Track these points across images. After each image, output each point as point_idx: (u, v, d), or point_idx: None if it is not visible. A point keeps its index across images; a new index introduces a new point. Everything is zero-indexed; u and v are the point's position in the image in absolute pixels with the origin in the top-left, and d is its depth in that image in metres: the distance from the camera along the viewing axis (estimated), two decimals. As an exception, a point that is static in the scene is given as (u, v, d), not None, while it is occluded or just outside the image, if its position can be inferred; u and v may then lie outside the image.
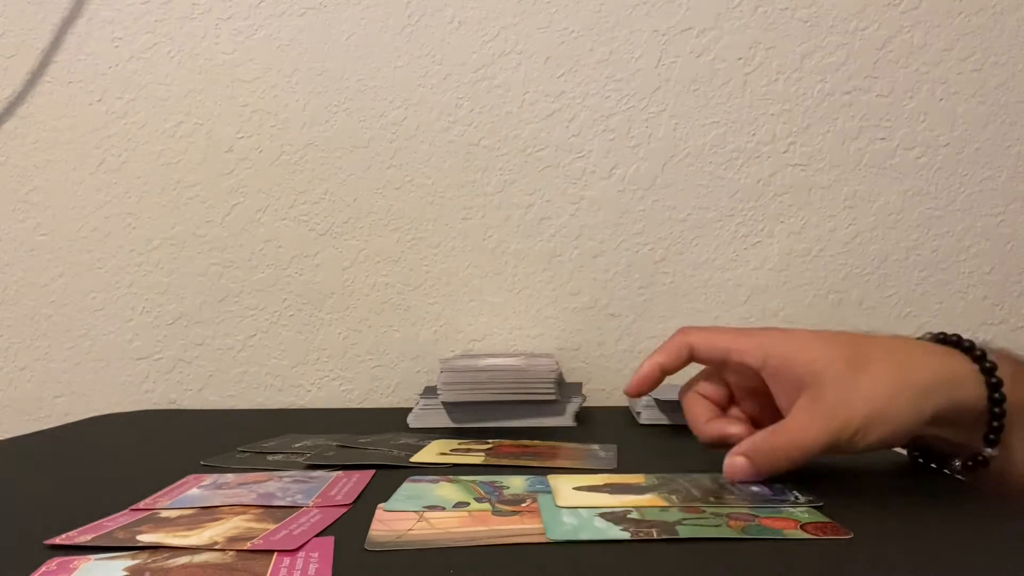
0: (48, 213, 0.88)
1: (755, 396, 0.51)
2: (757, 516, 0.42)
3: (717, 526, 0.40)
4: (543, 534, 0.40)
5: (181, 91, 0.87)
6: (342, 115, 0.87)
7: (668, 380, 0.89)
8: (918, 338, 0.51)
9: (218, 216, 0.88)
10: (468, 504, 0.45)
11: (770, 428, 0.46)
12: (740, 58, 0.86)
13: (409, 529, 0.41)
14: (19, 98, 0.87)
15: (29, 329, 0.89)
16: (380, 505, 0.45)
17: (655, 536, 0.39)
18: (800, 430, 0.45)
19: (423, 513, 0.44)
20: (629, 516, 0.42)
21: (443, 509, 0.44)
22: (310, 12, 0.87)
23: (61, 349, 0.89)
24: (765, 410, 0.50)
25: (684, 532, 0.39)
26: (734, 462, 0.47)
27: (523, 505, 0.45)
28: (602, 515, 0.43)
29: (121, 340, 0.89)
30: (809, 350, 0.46)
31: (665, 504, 0.45)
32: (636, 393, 0.53)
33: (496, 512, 0.43)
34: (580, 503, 0.45)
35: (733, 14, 0.86)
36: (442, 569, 0.36)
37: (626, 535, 0.39)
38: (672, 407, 0.72)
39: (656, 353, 0.51)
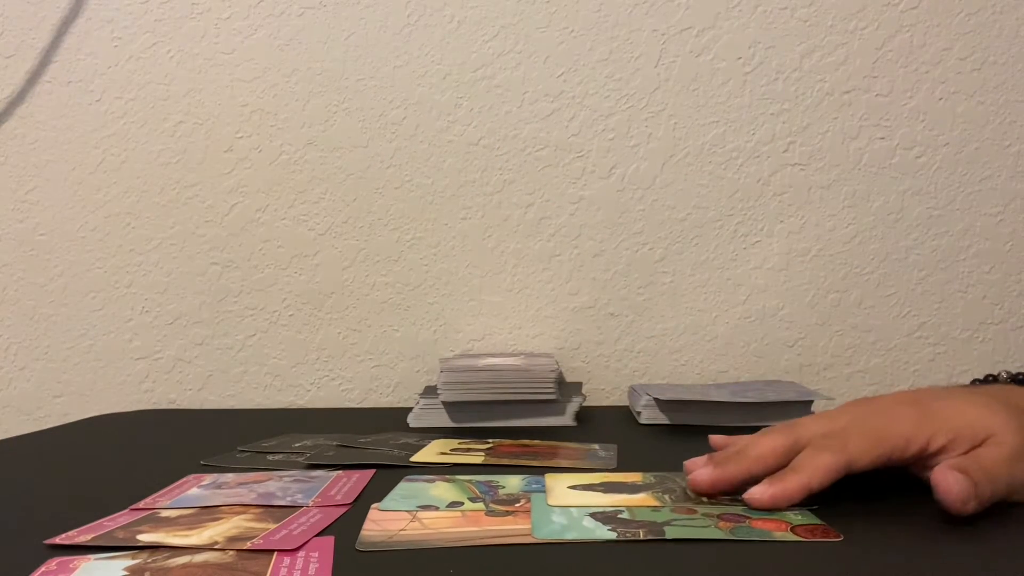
0: (48, 213, 0.88)
1: None
2: (748, 517, 0.42)
3: (706, 527, 0.40)
4: (531, 534, 0.40)
5: (181, 91, 0.87)
6: (341, 115, 0.87)
7: (667, 378, 0.89)
8: (992, 376, 0.51)
9: (217, 216, 0.88)
10: (462, 504, 0.45)
11: (964, 457, 0.42)
12: (739, 58, 0.86)
13: (401, 529, 0.41)
14: (19, 98, 0.87)
15: (29, 329, 0.89)
16: (374, 505, 0.45)
17: (641, 536, 0.39)
18: (1001, 457, 0.42)
19: (416, 513, 0.44)
20: (619, 516, 0.42)
21: (437, 509, 0.44)
22: (309, 12, 0.87)
23: (61, 349, 0.89)
24: None
25: (671, 533, 0.40)
26: (956, 478, 0.40)
27: (517, 505, 0.45)
28: (592, 515, 0.43)
29: (120, 340, 0.89)
30: (982, 417, 0.43)
31: (657, 504, 0.45)
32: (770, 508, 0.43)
33: (489, 512, 0.44)
34: (572, 502, 0.45)
35: (732, 14, 0.86)
36: (436, 569, 0.36)
37: (612, 535, 0.39)
38: (672, 407, 0.72)
39: (804, 475, 0.43)
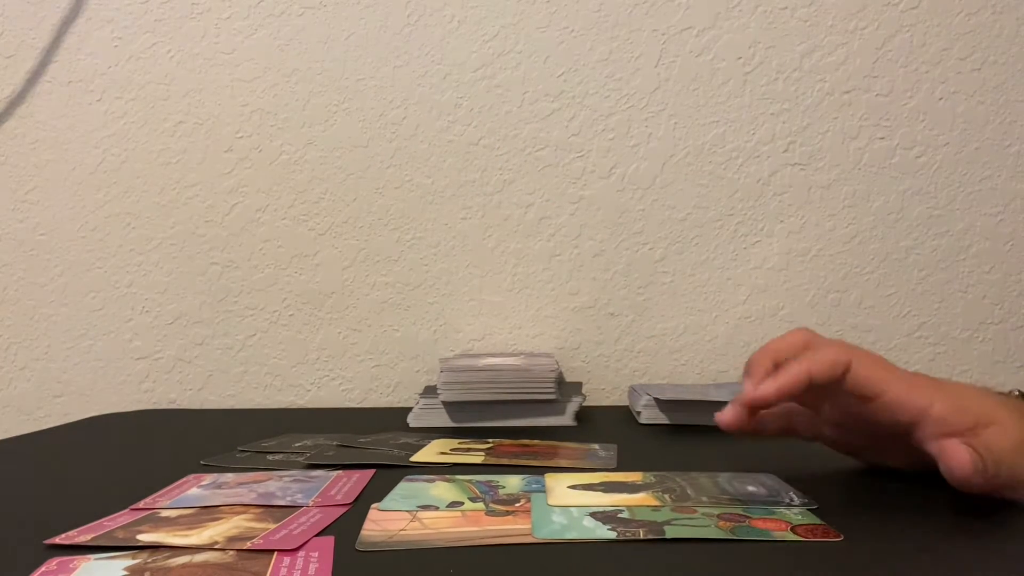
0: (48, 213, 0.88)
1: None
2: (748, 517, 0.42)
3: (706, 526, 0.40)
4: (531, 534, 0.40)
5: (181, 91, 0.87)
6: (341, 115, 0.87)
7: (667, 378, 0.89)
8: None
9: (218, 216, 0.88)
10: (462, 504, 0.45)
11: (972, 438, 0.42)
12: (740, 58, 0.86)
13: (401, 529, 0.41)
14: (19, 98, 0.87)
15: (29, 329, 0.89)
16: (374, 505, 0.45)
17: (641, 536, 0.39)
18: (1006, 444, 0.42)
19: (416, 513, 0.44)
20: (620, 516, 0.42)
21: (437, 509, 0.44)
22: (309, 12, 0.87)
23: (61, 349, 0.89)
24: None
25: (671, 532, 0.40)
26: (966, 450, 0.40)
27: (517, 505, 0.45)
28: (593, 514, 0.43)
29: (121, 340, 0.89)
30: (987, 404, 0.44)
31: (657, 503, 0.45)
32: (776, 400, 0.44)
33: (489, 512, 0.43)
34: (572, 502, 0.45)
35: (733, 14, 0.86)
36: (436, 569, 0.36)
37: (612, 535, 0.39)
38: (672, 407, 0.72)
39: (805, 363, 0.43)
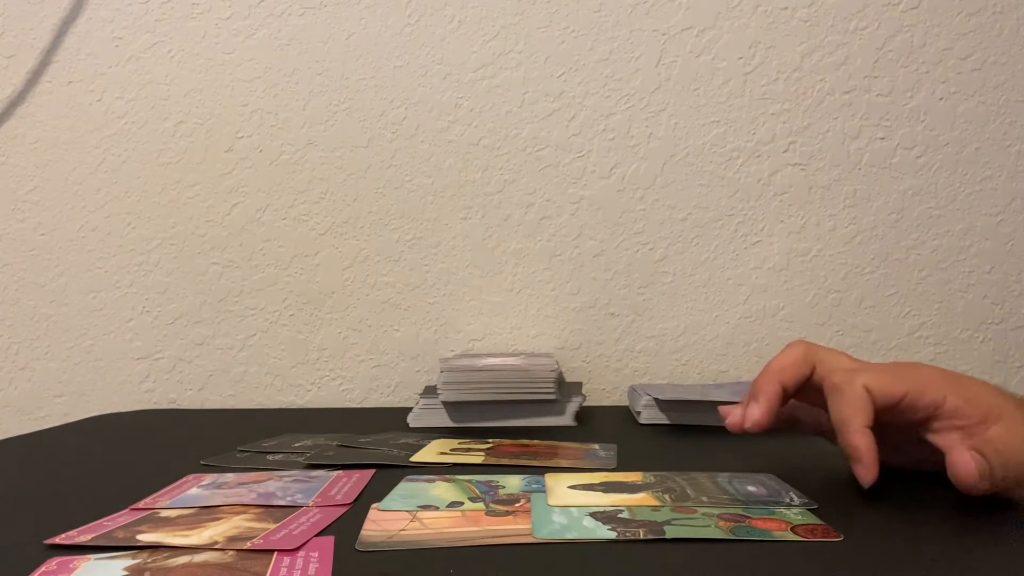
0: (48, 213, 0.88)
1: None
2: (748, 517, 0.42)
3: (706, 527, 0.40)
4: (531, 534, 0.40)
5: (181, 91, 0.87)
6: (342, 115, 0.87)
7: (667, 378, 0.89)
8: None
9: (218, 216, 0.88)
10: (462, 504, 0.45)
11: (979, 439, 0.42)
12: (740, 58, 0.86)
13: (401, 529, 0.41)
14: (19, 98, 0.87)
15: (29, 329, 0.89)
16: (374, 505, 0.45)
17: (641, 536, 0.39)
18: (1014, 443, 0.42)
19: (416, 513, 0.44)
20: (620, 516, 0.42)
21: (437, 509, 0.44)
22: (310, 12, 0.87)
23: (61, 349, 0.89)
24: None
25: (671, 532, 0.40)
26: (973, 456, 0.41)
27: (517, 505, 0.45)
28: (593, 514, 0.43)
29: (121, 340, 0.89)
30: (997, 398, 0.44)
31: (657, 504, 0.45)
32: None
33: (490, 512, 0.43)
34: (572, 502, 0.45)
35: (733, 14, 0.86)
36: (436, 569, 0.36)
37: (612, 535, 0.39)
38: (672, 407, 0.72)
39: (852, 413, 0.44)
